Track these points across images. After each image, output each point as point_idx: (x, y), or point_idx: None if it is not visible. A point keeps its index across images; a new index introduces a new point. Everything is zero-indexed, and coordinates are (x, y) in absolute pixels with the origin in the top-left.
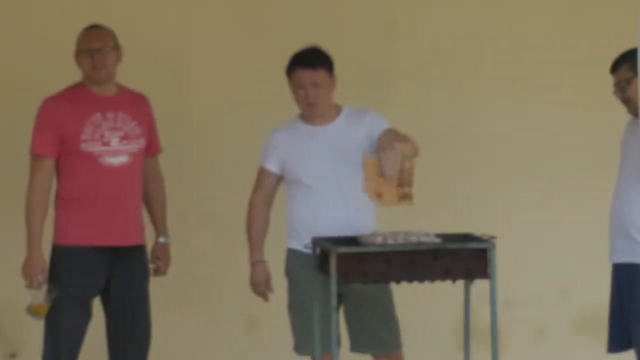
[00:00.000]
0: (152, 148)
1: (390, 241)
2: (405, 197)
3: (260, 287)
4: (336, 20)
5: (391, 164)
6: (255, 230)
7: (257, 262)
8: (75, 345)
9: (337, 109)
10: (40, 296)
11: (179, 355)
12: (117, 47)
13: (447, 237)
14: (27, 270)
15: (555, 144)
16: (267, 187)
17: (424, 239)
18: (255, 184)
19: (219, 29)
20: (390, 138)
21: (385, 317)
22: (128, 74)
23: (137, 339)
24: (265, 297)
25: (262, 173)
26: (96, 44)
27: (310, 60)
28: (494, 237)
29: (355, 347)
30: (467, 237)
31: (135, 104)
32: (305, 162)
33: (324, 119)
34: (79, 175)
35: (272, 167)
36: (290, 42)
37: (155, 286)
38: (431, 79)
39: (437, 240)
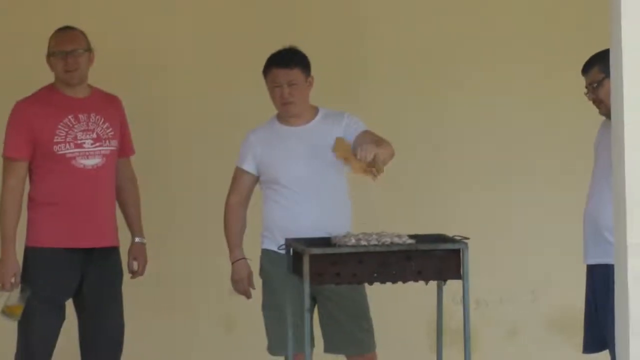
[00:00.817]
0: (125, 149)
1: (363, 242)
2: (371, 173)
3: (243, 284)
4: (307, 20)
5: (367, 151)
6: (233, 230)
7: (238, 260)
8: (48, 347)
9: (314, 110)
10: (14, 297)
11: (152, 356)
12: (89, 49)
13: (419, 238)
14: (0, 273)
15: (527, 145)
16: (243, 187)
17: (396, 240)
18: (232, 185)
19: (193, 31)
20: (369, 141)
21: (359, 318)
22: (102, 74)
23: (109, 340)
24: (247, 295)
25: (239, 173)
26: (69, 46)
27: (286, 60)
28: (466, 238)
29: (329, 347)
30: (440, 238)
31: (107, 106)
32: (282, 163)
33: (300, 120)
34: (52, 177)
35: (249, 167)
36: (263, 44)
37: (130, 287)
38: (403, 79)
39: (410, 241)
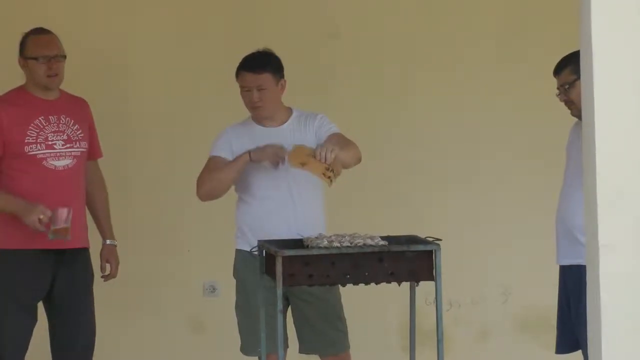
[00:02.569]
0: (93, 152)
1: (335, 244)
2: (328, 176)
3: (274, 150)
4: (277, 22)
5: (326, 152)
6: (221, 164)
7: (243, 155)
8: (20, 350)
9: (288, 112)
10: (58, 221)
11: (122, 358)
12: (65, 54)
13: (392, 240)
14: (30, 220)
15: (496, 145)
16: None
17: (369, 242)
18: (204, 170)
19: (161, 32)
20: (334, 142)
21: (333, 318)
22: (68, 77)
23: (81, 342)
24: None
25: (214, 160)
26: (52, 51)
27: (255, 65)
28: (438, 240)
29: (303, 348)
30: (412, 240)
31: (76, 108)
32: (255, 164)
33: (275, 122)
34: (24, 178)
35: (226, 154)
36: (232, 46)
37: (99, 289)
38: (371, 81)
39: (383, 242)
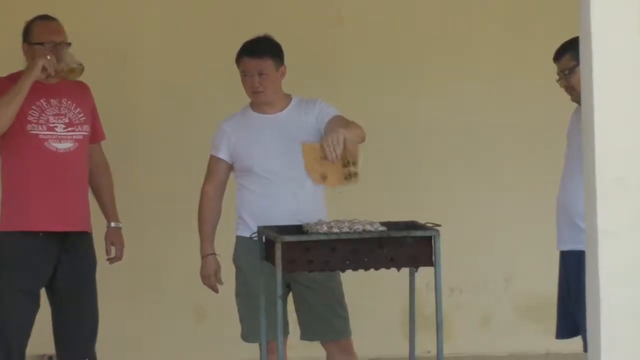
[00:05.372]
0: (95, 135)
1: (335, 230)
2: (350, 176)
3: (211, 279)
4: (282, 9)
5: (334, 146)
6: (207, 222)
7: (207, 255)
8: (24, 336)
9: (287, 98)
10: (67, 60)
11: (126, 345)
12: (69, 41)
13: (392, 226)
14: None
15: (497, 130)
16: (218, 175)
17: (368, 228)
18: (207, 173)
19: (164, 20)
20: (335, 123)
21: (335, 304)
22: None
23: (84, 328)
24: (215, 290)
25: (213, 161)
26: (58, 38)
27: (256, 50)
28: (438, 225)
29: (305, 334)
30: (412, 225)
31: (77, 92)
32: (255, 151)
33: (273, 108)
34: (26, 159)
35: (223, 155)
36: (235, 34)
37: (103, 275)
38: (376, 67)
39: (382, 228)
